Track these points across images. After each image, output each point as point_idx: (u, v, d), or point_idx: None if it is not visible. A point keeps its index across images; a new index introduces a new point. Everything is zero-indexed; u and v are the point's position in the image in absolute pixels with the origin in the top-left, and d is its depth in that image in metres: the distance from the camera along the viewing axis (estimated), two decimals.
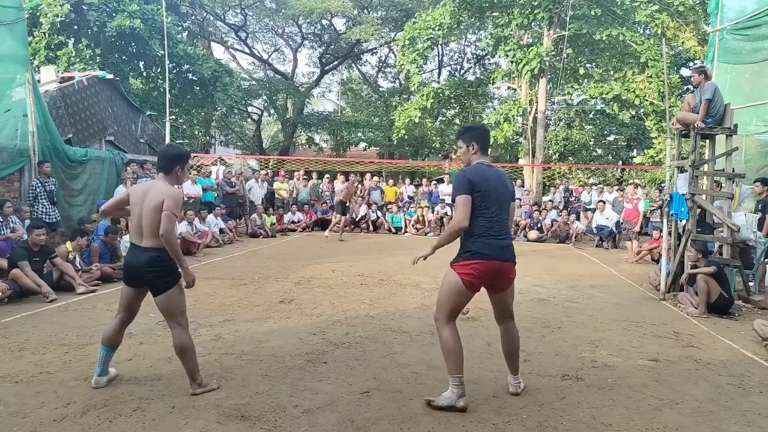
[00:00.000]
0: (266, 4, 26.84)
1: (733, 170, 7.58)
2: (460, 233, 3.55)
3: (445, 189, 16.75)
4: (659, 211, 10.36)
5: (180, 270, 3.69)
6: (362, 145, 31.38)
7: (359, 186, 16.20)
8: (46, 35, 15.07)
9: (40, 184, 8.78)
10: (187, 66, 18.04)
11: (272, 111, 30.63)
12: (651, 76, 17.11)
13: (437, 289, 7.46)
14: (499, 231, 3.61)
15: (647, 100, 17.38)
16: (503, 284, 3.74)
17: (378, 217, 16.12)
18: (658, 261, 9.39)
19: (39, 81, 11.16)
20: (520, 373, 3.91)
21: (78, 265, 7.43)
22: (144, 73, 18.79)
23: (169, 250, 3.56)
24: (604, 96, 18.40)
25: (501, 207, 3.64)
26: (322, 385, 3.91)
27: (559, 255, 11.84)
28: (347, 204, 14.47)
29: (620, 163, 24.57)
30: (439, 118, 24.37)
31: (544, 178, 20.76)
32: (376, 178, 17.88)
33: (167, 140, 9.08)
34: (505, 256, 3.64)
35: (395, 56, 27.55)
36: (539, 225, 14.97)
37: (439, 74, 30.50)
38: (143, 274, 3.62)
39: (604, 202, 14.03)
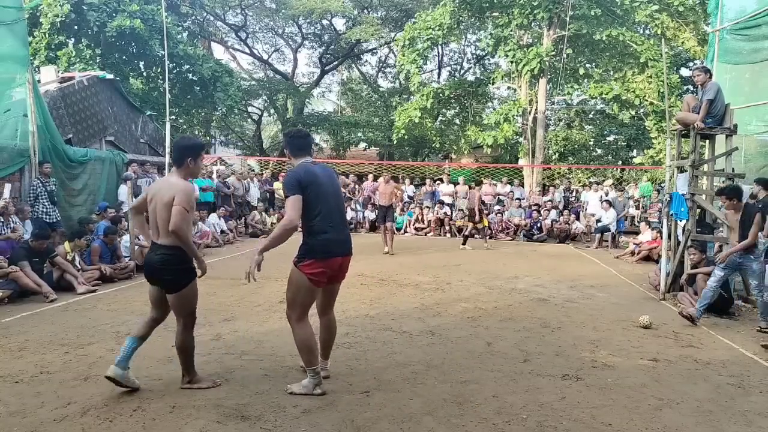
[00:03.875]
0: (266, 4, 26.81)
1: (733, 170, 7.58)
2: (292, 232, 3.54)
3: (445, 189, 16.75)
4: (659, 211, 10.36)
5: (196, 267, 3.72)
6: (362, 145, 31.36)
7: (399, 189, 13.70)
8: (46, 35, 15.07)
9: (40, 184, 8.78)
10: (187, 66, 18.03)
11: (272, 111, 30.61)
12: (651, 76, 17.10)
13: (437, 289, 7.52)
14: (338, 225, 3.74)
15: (647, 100, 17.38)
16: (341, 276, 3.86)
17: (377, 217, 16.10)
18: (657, 261, 9.39)
19: (39, 81, 11.16)
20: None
21: (78, 265, 7.43)
22: (144, 73, 18.78)
23: (182, 244, 3.55)
24: (604, 96, 18.39)
25: (336, 200, 3.76)
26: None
27: (559, 255, 11.84)
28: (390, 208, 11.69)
29: (620, 163, 24.54)
30: (439, 118, 24.33)
31: (544, 178, 20.74)
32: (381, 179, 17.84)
33: (167, 140, 9.08)
34: (346, 250, 3.78)
35: (395, 56, 27.52)
36: (539, 225, 14.97)
37: (439, 74, 30.50)
38: (157, 272, 3.64)
39: (608, 203, 14.06)
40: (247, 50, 29.93)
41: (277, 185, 16.50)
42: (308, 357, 3.68)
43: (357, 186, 17.01)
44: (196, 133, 26.23)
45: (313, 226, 3.64)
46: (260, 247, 3.62)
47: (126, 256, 8.31)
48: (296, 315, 3.70)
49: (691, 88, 19.26)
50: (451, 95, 20.89)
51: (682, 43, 17.52)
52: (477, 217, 12.44)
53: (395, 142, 22.10)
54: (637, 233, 13.01)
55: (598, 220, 14.11)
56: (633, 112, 20.41)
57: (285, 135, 4.05)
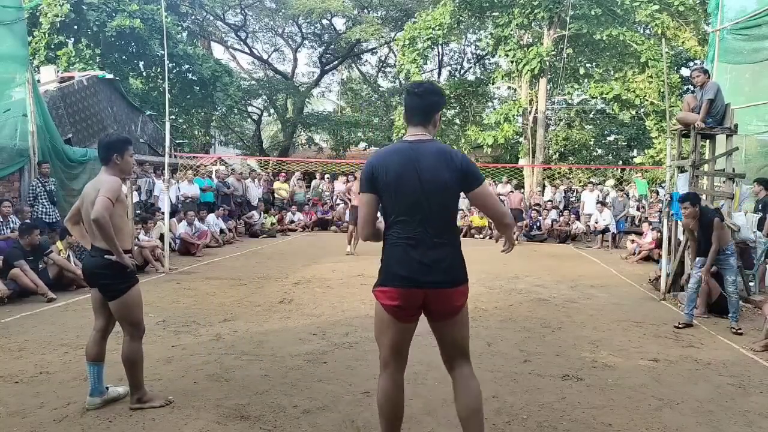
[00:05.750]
0: (266, 4, 26.83)
1: (734, 170, 7.58)
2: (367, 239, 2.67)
3: None
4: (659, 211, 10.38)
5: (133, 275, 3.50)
6: (362, 145, 31.37)
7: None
8: (46, 35, 15.08)
9: (40, 184, 8.78)
10: (187, 66, 18.04)
11: (272, 111, 30.62)
12: (651, 76, 17.10)
13: None
14: (422, 240, 2.52)
15: (647, 100, 17.38)
16: (441, 312, 2.60)
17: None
18: (658, 261, 9.40)
19: (39, 81, 11.17)
20: None
21: (74, 263, 7.39)
22: (144, 73, 18.79)
23: (101, 235, 3.27)
24: (604, 96, 18.40)
25: (430, 204, 2.52)
26: (322, 385, 3.90)
27: (559, 255, 11.84)
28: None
29: (620, 163, 24.55)
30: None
31: (544, 178, 20.75)
32: None
33: (167, 140, 9.07)
34: (430, 277, 2.50)
35: (395, 56, 27.54)
36: (539, 224, 14.96)
37: (439, 74, 30.47)
38: (94, 277, 3.43)
39: (603, 204, 14.04)
40: (246, 50, 29.96)
41: (277, 185, 16.51)
42: (381, 424, 2.68)
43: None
44: (196, 133, 26.24)
45: (388, 236, 2.60)
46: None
47: None
48: (381, 358, 2.67)
49: (691, 88, 19.25)
50: (452, 95, 20.91)
51: (683, 42, 17.53)
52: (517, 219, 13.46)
53: (395, 142, 22.12)
54: (637, 233, 13.00)
55: (588, 221, 14.19)
56: (633, 112, 20.43)
57: (410, 90, 2.77)
